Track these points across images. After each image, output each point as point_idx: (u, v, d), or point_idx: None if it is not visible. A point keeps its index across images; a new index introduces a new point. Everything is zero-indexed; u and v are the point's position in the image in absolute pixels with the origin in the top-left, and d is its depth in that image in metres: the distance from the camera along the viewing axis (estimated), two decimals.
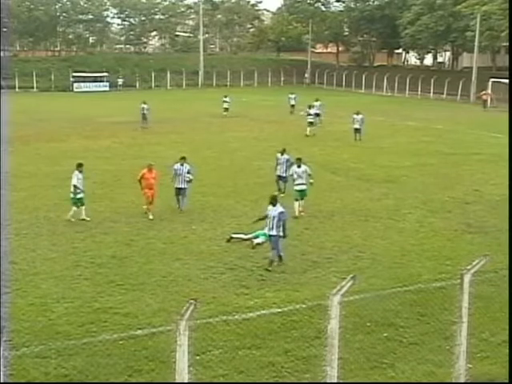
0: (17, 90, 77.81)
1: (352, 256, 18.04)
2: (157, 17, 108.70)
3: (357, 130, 38.82)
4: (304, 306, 14.11)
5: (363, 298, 14.00)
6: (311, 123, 41.35)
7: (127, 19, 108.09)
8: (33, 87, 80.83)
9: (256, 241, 18.80)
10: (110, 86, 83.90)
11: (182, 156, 22.51)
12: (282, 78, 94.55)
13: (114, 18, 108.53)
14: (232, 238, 18.78)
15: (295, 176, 21.84)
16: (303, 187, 21.85)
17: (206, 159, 32.45)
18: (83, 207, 21.22)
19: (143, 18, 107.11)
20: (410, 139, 40.79)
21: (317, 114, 46.69)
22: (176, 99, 67.01)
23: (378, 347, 12.37)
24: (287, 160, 24.44)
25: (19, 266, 16.89)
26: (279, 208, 17.06)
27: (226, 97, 53.68)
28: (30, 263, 17.17)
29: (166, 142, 38.91)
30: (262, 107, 60.84)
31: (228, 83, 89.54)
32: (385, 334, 12.88)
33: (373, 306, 14.09)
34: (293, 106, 53.18)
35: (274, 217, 16.86)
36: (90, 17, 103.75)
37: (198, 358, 11.20)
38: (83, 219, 20.97)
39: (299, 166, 21.95)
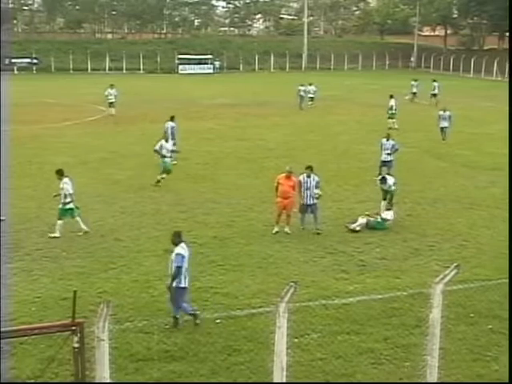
0: (124, 71, 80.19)
1: (456, 244, 17.58)
2: None
3: (443, 129, 33.23)
4: (405, 293, 13.89)
5: (467, 288, 13.59)
6: (393, 115, 36.71)
7: (232, 2, 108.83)
8: (139, 69, 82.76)
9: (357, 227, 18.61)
10: (213, 69, 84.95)
11: (307, 165, 18.85)
12: (387, 62, 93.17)
13: (219, 0, 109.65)
14: (349, 229, 18.55)
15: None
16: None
17: (309, 143, 32.38)
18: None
19: (248, 1, 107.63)
20: None
21: (434, 95, 47.68)
22: (279, 82, 67.01)
23: (482, 339, 12.02)
24: (392, 146, 24.13)
25: (124, 243, 17.38)
26: (182, 249, 12.29)
27: (310, 85, 47.10)
28: (135, 241, 17.63)
29: (269, 124, 39.04)
30: (365, 91, 59.99)
31: (332, 66, 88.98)
32: (489, 326, 12.51)
33: (477, 296, 13.68)
34: (414, 93, 49.20)
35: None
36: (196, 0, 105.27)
37: (296, 340, 11.24)
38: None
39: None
